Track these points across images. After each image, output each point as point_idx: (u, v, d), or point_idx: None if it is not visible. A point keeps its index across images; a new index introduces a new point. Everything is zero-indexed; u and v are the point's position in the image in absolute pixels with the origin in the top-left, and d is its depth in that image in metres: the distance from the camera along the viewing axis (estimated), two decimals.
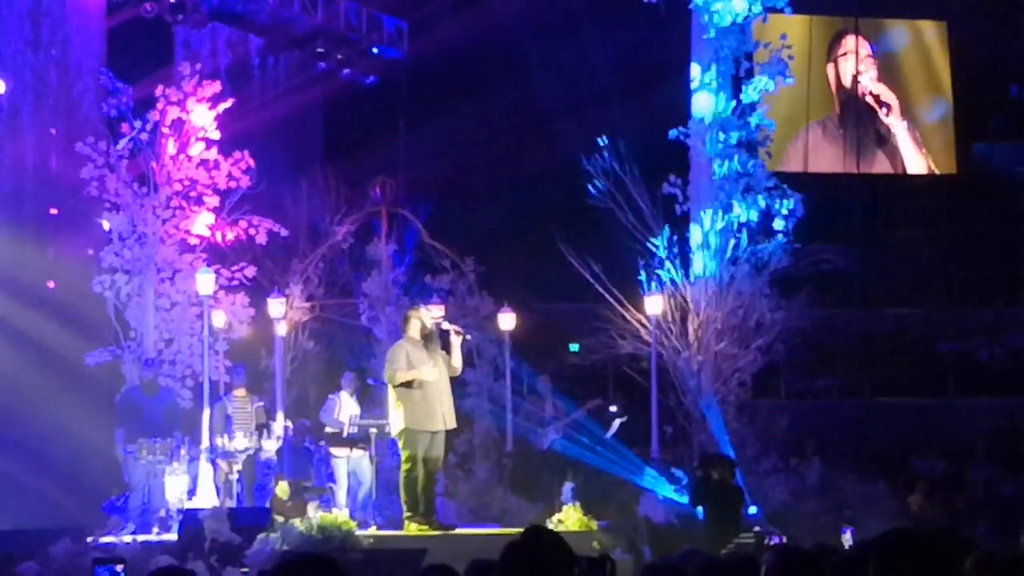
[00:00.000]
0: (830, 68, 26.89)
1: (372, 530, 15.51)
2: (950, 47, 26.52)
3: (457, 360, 15.88)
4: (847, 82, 26.24)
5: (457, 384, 17.31)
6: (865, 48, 26.76)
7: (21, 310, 20.04)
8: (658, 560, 6.17)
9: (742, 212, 19.28)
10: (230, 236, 20.33)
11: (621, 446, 19.35)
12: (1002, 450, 22.88)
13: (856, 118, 25.91)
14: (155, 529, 15.77)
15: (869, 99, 26.61)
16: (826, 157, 26.38)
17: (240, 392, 18.17)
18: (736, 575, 6.11)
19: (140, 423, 17.53)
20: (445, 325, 16.18)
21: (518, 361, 19.81)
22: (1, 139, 20.74)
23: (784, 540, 14.45)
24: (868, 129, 26.56)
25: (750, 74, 19.58)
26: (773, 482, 19.05)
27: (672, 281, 19.26)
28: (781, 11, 19.82)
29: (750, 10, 19.43)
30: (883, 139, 26.76)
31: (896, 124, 26.63)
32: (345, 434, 17.69)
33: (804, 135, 26.20)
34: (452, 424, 16.03)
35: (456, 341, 15.81)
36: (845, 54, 26.60)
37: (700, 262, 19.47)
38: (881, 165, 26.51)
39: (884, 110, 26.84)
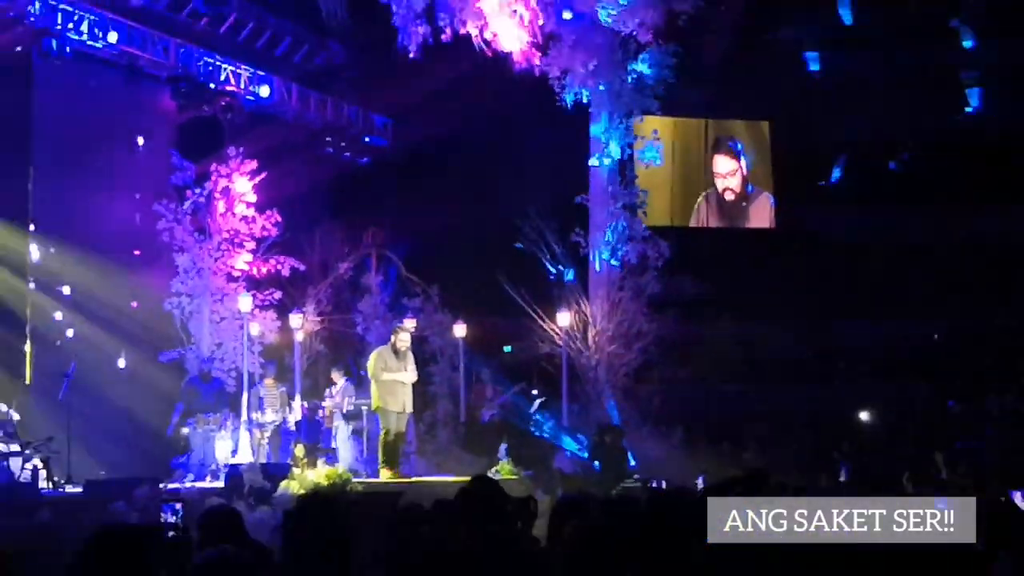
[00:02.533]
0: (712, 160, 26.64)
1: (363, 478, 15.98)
2: (772, 138, 26.59)
3: (414, 373, 16.73)
4: (719, 169, 26.29)
5: (424, 374, 18.43)
6: (727, 148, 26.76)
7: (114, 322, 20.49)
8: (567, 497, 6.60)
9: (627, 256, 19.51)
10: (263, 270, 20.62)
11: (541, 418, 19.69)
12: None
13: (718, 201, 26.24)
14: (208, 478, 16.28)
15: (729, 195, 26.61)
16: (705, 214, 26.28)
17: (269, 381, 18.66)
18: (620, 508, 6.32)
19: (199, 403, 17.87)
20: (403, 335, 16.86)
21: (469, 357, 20.12)
22: (103, 202, 21.25)
23: (664, 484, 14.68)
24: (727, 206, 26.83)
25: (631, 158, 19.89)
26: (649, 444, 19.32)
27: (577, 302, 19.61)
28: (653, 113, 20.19)
29: (635, 112, 19.65)
30: (738, 210, 26.92)
31: (748, 191, 26.57)
32: (344, 411, 17.92)
33: (692, 200, 26.19)
34: (410, 409, 16.79)
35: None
36: (715, 156, 26.61)
37: (597, 289, 19.80)
38: (731, 220, 26.54)
39: (736, 195, 26.83)
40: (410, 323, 17.95)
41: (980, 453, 19.72)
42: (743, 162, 27.05)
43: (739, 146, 27.03)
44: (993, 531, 5.20)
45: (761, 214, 27.20)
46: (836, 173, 28.55)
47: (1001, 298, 25.72)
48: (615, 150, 19.80)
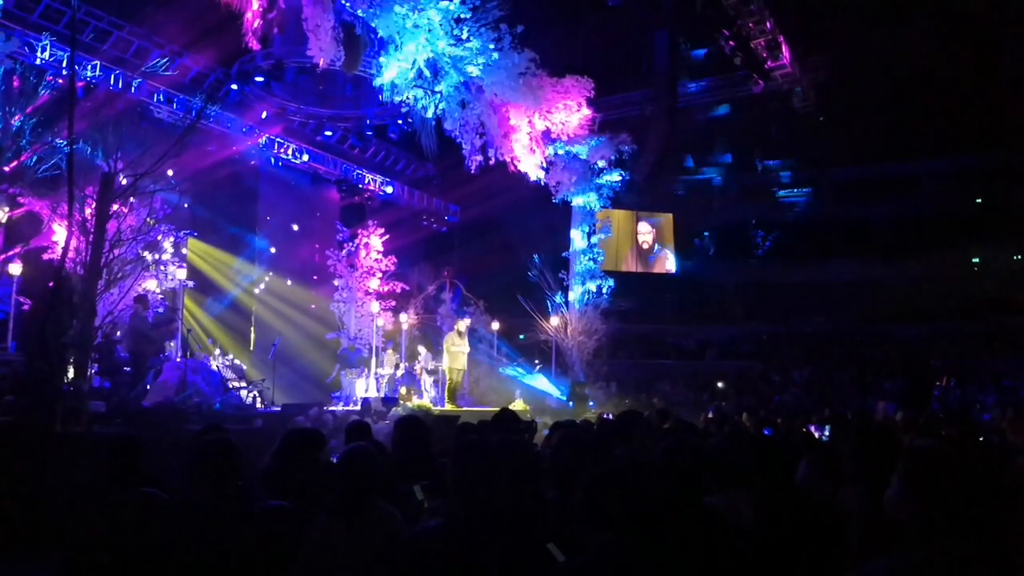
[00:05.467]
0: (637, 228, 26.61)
1: (438, 407, 15.71)
2: (675, 222, 26.77)
3: (467, 347, 16.74)
4: (641, 239, 26.15)
5: (475, 351, 18.29)
6: (647, 226, 26.81)
7: (301, 316, 20.64)
8: (556, 423, 6.47)
9: (591, 286, 19.16)
10: (385, 289, 20.51)
11: (539, 376, 19.49)
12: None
13: (638, 252, 26.23)
14: (351, 405, 15.98)
15: (645, 245, 26.56)
16: (633, 264, 26.33)
17: (389, 352, 18.20)
18: (584, 427, 6.32)
19: (347, 362, 18.01)
20: (461, 327, 17.04)
21: (500, 342, 20.00)
22: (299, 249, 21.36)
23: (611, 416, 15.05)
24: (652, 257, 27.01)
25: (594, 230, 19.53)
26: (599, 393, 19.08)
27: (562, 311, 19.24)
28: (607, 207, 19.81)
29: (596, 206, 19.32)
30: (648, 260, 26.67)
31: (657, 250, 26.43)
32: (428, 368, 17.52)
33: (626, 256, 26.24)
34: (465, 368, 16.81)
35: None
36: (638, 224, 26.65)
37: (573, 305, 19.33)
38: (650, 268, 26.27)
39: (651, 248, 27.01)
40: (463, 322, 17.73)
41: (788, 404, 19.94)
42: (654, 231, 26.75)
43: (653, 221, 26.70)
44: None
45: (663, 264, 26.82)
46: (711, 245, 28.77)
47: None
48: (585, 228, 19.45)
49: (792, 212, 28.50)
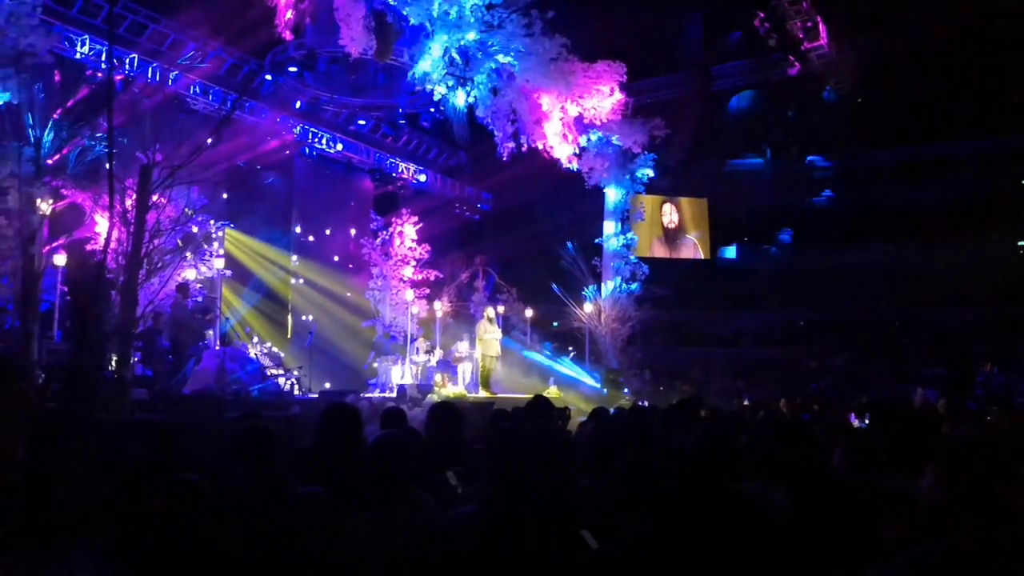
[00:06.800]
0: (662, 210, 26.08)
1: (471, 395, 15.83)
2: (709, 208, 26.25)
3: (499, 333, 16.80)
4: (667, 221, 25.78)
5: (507, 338, 18.27)
6: (671, 207, 26.08)
7: (337, 305, 20.72)
8: (594, 409, 6.46)
9: (624, 273, 19.14)
10: (418, 277, 20.52)
11: (572, 364, 19.21)
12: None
13: (667, 237, 25.79)
14: (387, 392, 16.09)
15: (670, 225, 25.86)
16: (661, 248, 25.72)
17: (421, 338, 18.22)
18: (616, 416, 6.27)
19: (383, 349, 17.89)
20: (490, 313, 17.05)
21: (532, 329, 19.87)
22: (333, 238, 21.67)
23: (646, 403, 14.46)
24: (675, 240, 26.76)
25: (627, 215, 19.51)
26: (633, 380, 19.03)
27: (595, 298, 19.19)
28: (640, 192, 19.86)
29: (629, 192, 19.47)
30: (674, 244, 26.18)
31: (685, 236, 26.04)
32: (462, 356, 17.48)
33: (656, 242, 25.83)
34: (499, 354, 16.83)
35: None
36: (663, 210, 26.15)
37: (606, 292, 19.35)
38: (678, 253, 25.88)
39: (680, 232, 26.58)
40: (491, 309, 17.65)
41: (825, 391, 19.66)
42: (680, 214, 26.14)
43: (678, 204, 26.17)
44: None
45: (693, 250, 26.37)
46: (745, 231, 28.40)
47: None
48: (619, 213, 19.33)
49: (827, 196, 27.96)
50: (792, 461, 3.11)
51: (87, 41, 14.96)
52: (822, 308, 25.35)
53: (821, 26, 24.43)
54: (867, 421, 8.49)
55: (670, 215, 25.88)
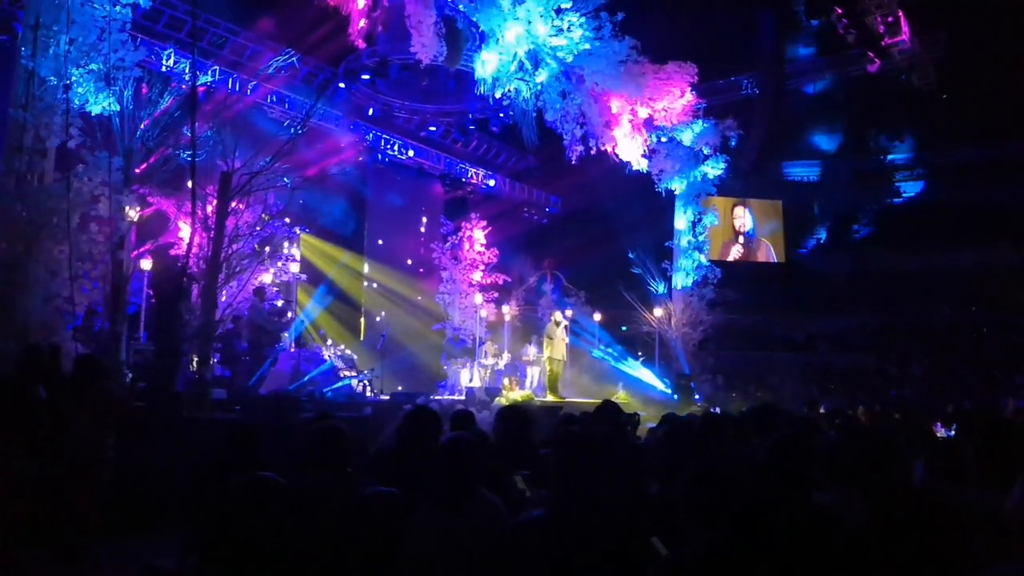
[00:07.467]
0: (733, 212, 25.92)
1: (539, 398, 15.75)
2: (783, 210, 25.88)
3: (567, 337, 16.71)
4: (739, 224, 25.42)
5: (576, 342, 18.38)
6: (742, 210, 25.94)
7: (408, 308, 21.04)
8: (664, 416, 6.32)
9: (693, 277, 18.71)
10: (487, 281, 20.53)
11: (642, 367, 19.16)
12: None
13: (740, 240, 25.30)
14: (457, 395, 16.25)
15: (741, 227, 25.68)
16: (732, 251, 25.69)
17: (489, 342, 18.40)
18: (688, 423, 5.78)
19: (453, 352, 18.25)
20: (558, 317, 17.01)
21: (601, 332, 19.84)
22: (400, 244, 21.99)
23: (717, 410, 14.19)
24: (751, 244, 26.23)
25: (699, 218, 18.98)
26: (705, 386, 18.68)
27: (665, 302, 18.87)
28: (712, 195, 19.27)
29: (700, 194, 18.89)
30: (749, 249, 25.96)
31: (758, 239, 25.72)
32: (531, 359, 17.51)
33: (727, 245, 25.73)
34: (566, 358, 16.75)
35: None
36: (734, 212, 26.00)
37: (677, 295, 18.93)
38: (752, 256, 25.52)
39: (754, 236, 26.24)
40: (558, 313, 17.62)
41: (907, 399, 18.95)
42: (751, 216, 25.86)
43: (749, 207, 25.72)
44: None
45: (764, 254, 25.92)
46: (822, 232, 27.66)
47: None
48: (690, 216, 18.94)
49: (910, 196, 26.99)
50: (872, 471, 3.00)
51: (172, 54, 15.63)
52: (902, 312, 24.57)
53: (903, 20, 23.63)
54: (953, 431, 8.19)
55: (742, 217, 25.40)
